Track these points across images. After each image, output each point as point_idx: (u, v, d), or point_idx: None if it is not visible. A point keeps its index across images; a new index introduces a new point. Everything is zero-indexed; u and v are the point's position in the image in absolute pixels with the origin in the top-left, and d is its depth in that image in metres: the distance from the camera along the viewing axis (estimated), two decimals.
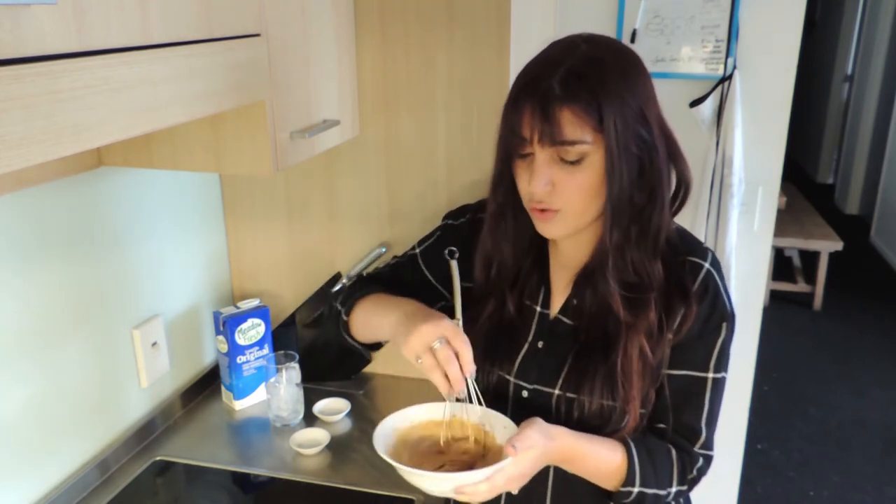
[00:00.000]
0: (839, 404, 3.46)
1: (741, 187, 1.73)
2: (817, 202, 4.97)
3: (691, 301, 0.96)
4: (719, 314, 0.98)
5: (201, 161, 1.20)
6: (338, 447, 1.43)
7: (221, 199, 1.69)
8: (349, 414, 1.54)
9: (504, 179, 0.99)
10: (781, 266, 4.58)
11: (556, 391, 0.99)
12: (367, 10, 1.47)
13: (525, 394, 1.03)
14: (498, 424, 0.96)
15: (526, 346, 1.04)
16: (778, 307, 4.34)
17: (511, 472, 0.87)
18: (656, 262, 0.96)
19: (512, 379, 1.04)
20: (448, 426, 0.98)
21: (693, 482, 1.03)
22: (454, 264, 0.99)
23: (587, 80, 0.88)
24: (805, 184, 6.14)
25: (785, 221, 4.19)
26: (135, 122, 0.79)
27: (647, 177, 0.93)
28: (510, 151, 0.95)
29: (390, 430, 0.97)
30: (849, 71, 6.29)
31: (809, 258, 4.45)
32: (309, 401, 1.54)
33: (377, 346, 1.17)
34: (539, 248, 1.08)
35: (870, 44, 5.75)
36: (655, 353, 0.96)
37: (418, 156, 1.55)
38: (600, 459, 0.95)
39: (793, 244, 4.26)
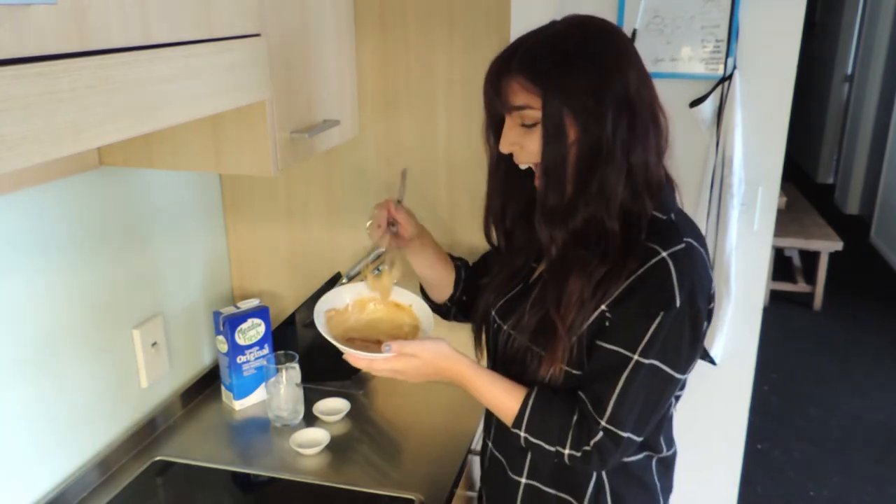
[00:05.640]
0: (839, 404, 3.45)
1: (741, 187, 1.72)
2: (817, 202, 4.96)
3: (621, 277, 0.98)
4: (660, 302, 0.97)
5: (201, 161, 1.20)
6: (338, 447, 1.43)
7: (221, 199, 1.69)
8: (349, 414, 1.54)
9: (490, 138, 1.09)
10: (781, 266, 4.58)
11: (505, 326, 1.12)
12: (367, 10, 1.47)
13: (496, 325, 1.16)
14: (423, 315, 1.22)
15: (516, 290, 1.16)
16: (778, 307, 4.34)
17: (391, 366, 1.07)
18: (612, 222, 0.99)
19: (493, 312, 1.17)
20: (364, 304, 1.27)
21: (589, 456, 1.01)
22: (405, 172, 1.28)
23: (537, 53, 0.97)
24: (805, 184, 6.14)
25: (785, 221, 4.19)
26: (135, 122, 0.79)
27: (594, 146, 0.97)
28: (493, 112, 1.06)
29: (326, 309, 1.20)
30: (849, 71, 6.28)
31: (809, 258, 4.45)
32: (309, 401, 1.54)
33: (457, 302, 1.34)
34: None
35: (870, 44, 5.75)
36: (580, 304, 1.00)
37: (418, 156, 1.55)
38: (493, 396, 1.08)
39: (793, 244, 4.25)
